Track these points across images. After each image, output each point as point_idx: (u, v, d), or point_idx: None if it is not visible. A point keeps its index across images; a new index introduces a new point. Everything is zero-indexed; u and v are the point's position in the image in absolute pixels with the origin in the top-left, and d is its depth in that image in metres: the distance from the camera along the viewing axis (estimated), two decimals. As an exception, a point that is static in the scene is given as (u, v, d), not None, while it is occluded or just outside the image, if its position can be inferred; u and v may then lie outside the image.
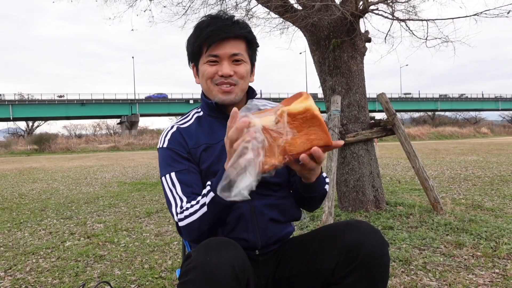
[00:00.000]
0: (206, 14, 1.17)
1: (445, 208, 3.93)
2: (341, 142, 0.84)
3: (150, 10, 6.13)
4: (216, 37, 1.08)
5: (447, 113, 64.40)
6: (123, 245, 3.24)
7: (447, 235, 3.09)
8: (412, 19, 3.76)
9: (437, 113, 63.02)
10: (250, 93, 1.23)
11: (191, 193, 1.05)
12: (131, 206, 5.19)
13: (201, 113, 1.22)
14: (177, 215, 1.03)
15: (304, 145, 0.80)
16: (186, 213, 1.00)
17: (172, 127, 1.19)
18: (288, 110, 0.78)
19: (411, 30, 3.96)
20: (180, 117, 1.26)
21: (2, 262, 2.88)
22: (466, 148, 16.26)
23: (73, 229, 3.93)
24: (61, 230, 3.90)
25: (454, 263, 2.44)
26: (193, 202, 1.00)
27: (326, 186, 1.14)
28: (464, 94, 63.27)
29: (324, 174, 1.13)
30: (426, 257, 2.58)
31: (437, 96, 60.85)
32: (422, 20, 3.71)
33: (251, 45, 1.16)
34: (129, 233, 3.66)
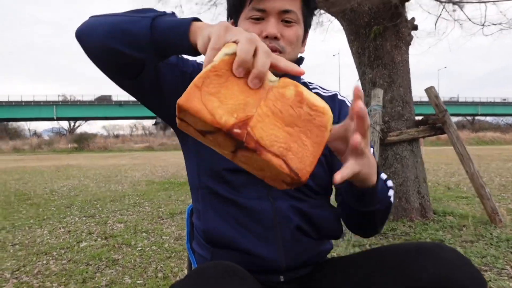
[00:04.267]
0: None
1: (504, 220, 3.40)
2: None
3: (181, 6, 5.98)
4: None
5: (487, 118, 60.78)
6: (139, 248, 3.00)
7: (512, 253, 2.60)
8: (468, 1, 3.27)
9: (477, 118, 59.67)
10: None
11: None
12: (156, 206, 5.00)
13: None
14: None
15: (279, 142, 0.52)
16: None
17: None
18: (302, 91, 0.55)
19: (465, 16, 3.46)
20: None
21: (12, 262, 2.72)
22: (511, 155, 14.98)
23: (92, 228, 3.76)
24: (80, 229, 3.74)
25: (528, 290, 1.98)
26: None
27: (391, 193, 0.80)
28: (507, 98, 59.61)
29: (384, 176, 0.80)
30: (490, 280, 2.12)
31: (478, 100, 57.66)
32: (480, 2, 3.22)
33: (308, 2, 0.89)
34: (148, 235, 3.43)
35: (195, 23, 0.63)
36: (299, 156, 0.51)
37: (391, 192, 0.79)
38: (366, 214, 0.76)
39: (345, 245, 2.81)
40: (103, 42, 0.70)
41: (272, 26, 0.83)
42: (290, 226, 0.84)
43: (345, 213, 0.86)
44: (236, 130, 0.49)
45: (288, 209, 0.85)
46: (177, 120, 0.53)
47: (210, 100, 0.50)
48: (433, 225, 3.33)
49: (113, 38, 0.68)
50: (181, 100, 0.49)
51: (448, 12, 3.92)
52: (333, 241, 1.00)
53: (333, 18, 4.16)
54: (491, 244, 2.80)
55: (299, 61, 0.94)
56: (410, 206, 3.50)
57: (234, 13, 0.92)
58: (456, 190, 5.84)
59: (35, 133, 55.12)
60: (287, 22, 0.85)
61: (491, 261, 2.43)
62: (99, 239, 3.31)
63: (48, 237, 3.43)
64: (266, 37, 0.83)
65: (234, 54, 0.52)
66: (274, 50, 0.83)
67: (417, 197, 3.54)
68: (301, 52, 0.94)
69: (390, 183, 0.81)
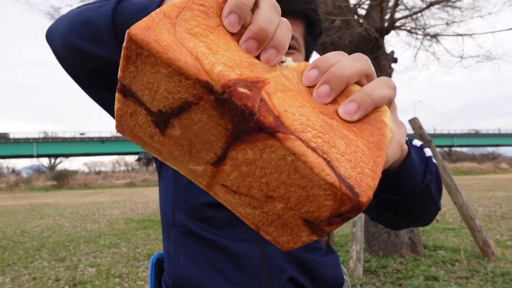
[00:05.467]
0: None
1: (496, 253, 3.29)
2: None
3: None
4: None
5: (463, 149, 62.88)
6: (110, 296, 2.74)
7: (510, 289, 2.46)
8: (445, 35, 3.33)
9: (453, 149, 61.66)
10: None
11: None
12: (133, 247, 4.70)
13: None
14: None
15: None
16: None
17: None
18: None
19: (443, 50, 3.52)
20: None
21: (-36, 317, 2.42)
22: (490, 184, 15.19)
23: (61, 274, 3.45)
24: (47, 275, 3.43)
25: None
26: None
27: (428, 152, 0.60)
28: (480, 130, 62.76)
29: (417, 142, 0.62)
30: (492, 323, 1.97)
31: (453, 132, 60.08)
32: (457, 35, 3.28)
33: (312, 29, 0.78)
34: (121, 280, 3.16)
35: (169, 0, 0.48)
36: (350, 159, 0.27)
37: (428, 152, 0.59)
38: (419, 196, 0.55)
39: None
40: (62, 37, 0.56)
41: None
42: (281, 278, 0.70)
43: (393, 217, 0.62)
44: (242, 89, 0.26)
45: (281, 257, 0.71)
46: (117, 97, 0.31)
47: (192, 40, 0.28)
48: (424, 260, 3.18)
49: (73, 31, 0.55)
50: (133, 28, 0.27)
51: (425, 47, 4.00)
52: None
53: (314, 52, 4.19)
54: (487, 280, 2.67)
55: None
56: (400, 241, 3.36)
57: None
58: (442, 221, 5.76)
59: (13, 171, 53.50)
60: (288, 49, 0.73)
61: (490, 299, 2.29)
62: (66, 287, 3.02)
63: (10, 286, 3.11)
64: None
65: None
66: None
67: (407, 231, 3.41)
68: None
69: (416, 142, 0.62)
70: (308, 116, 0.28)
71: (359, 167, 0.27)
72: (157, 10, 0.29)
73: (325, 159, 0.26)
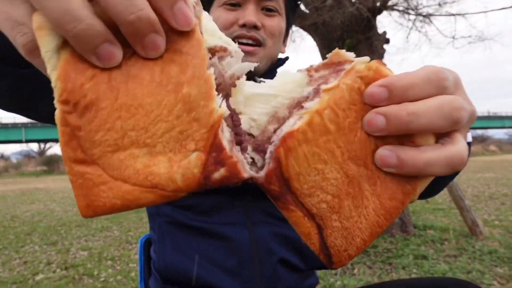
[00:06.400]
0: None
1: (483, 232, 3.35)
2: None
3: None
4: None
5: (453, 131, 64.00)
6: (102, 279, 2.73)
7: (496, 266, 2.52)
8: (437, 14, 3.30)
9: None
10: (279, 67, 0.78)
11: None
12: (125, 230, 4.70)
13: None
14: None
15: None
16: None
17: None
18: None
19: (436, 31, 3.48)
20: None
21: (-46, 302, 2.40)
22: (479, 166, 15.47)
23: (52, 257, 3.44)
24: (38, 259, 3.42)
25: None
26: None
27: (470, 137, 0.55)
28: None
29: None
30: (479, 298, 2.01)
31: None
32: (450, 15, 3.25)
33: None
34: (114, 263, 3.16)
35: None
36: (346, 227, 0.29)
37: (470, 136, 0.56)
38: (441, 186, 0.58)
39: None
40: None
41: (251, 13, 0.68)
42: (272, 260, 0.69)
43: None
44: (216, 176, 0.26)
45: (271, 238, 0.69)
46: None
47: (127, 162, 0.25)
48: (414, 240, 3.23)
49: None
50: (82, 212, 0.26)
51: (417, 27, 3.96)
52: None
53: (305, 34, 4.13)
54: (475, 258, 2.72)
55: (281, 61, 0.80)
56: (391, 221, 3.41)
57: (206, 3, 0.77)
58: (432, 202, 5.85)
59: (2, 156, 52.86)
60: (268, 11, 0.71)
61: (477, 276, 2.33)
62: (58, 270, 3.01)
63: (1, 270, 3.09)
64: (244, 25, 0.68)
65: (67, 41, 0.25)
66: (255, 40, 0.68)
67: (397, 211, 3.46)
68: (282, 52, 0.81)
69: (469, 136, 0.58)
70: (325, 175, 0.28)
71: (352, 236, 0.29)
72: (68, 167, 0.25)
73: (319, 225, 0.29)
